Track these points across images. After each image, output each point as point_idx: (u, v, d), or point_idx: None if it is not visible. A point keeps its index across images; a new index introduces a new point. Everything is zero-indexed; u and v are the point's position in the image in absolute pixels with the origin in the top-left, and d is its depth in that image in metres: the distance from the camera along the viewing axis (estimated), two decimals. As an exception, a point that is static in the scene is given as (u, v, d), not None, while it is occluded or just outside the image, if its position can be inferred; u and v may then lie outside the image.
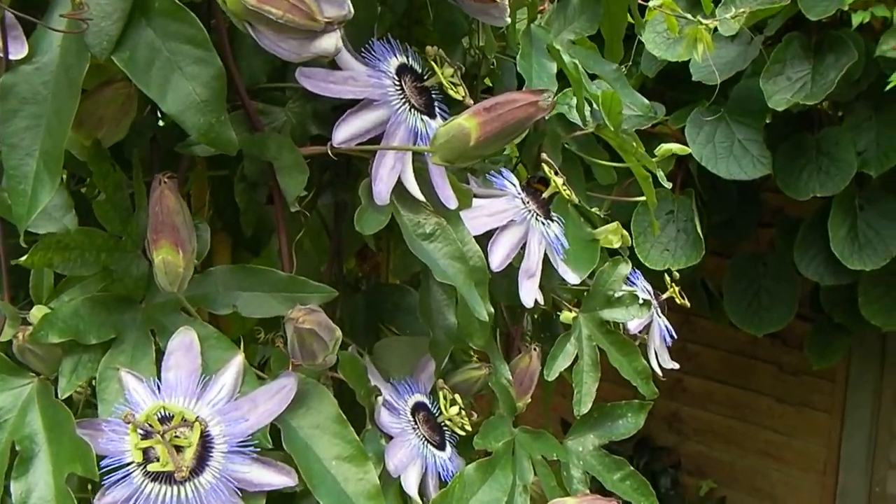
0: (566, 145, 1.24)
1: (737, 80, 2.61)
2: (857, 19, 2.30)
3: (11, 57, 0.74)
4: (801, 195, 2.58)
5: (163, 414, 0.74)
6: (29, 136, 0.74)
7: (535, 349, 1.15)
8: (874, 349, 3.44)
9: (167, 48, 0.73)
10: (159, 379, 0.80)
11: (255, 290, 0.87)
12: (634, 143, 1.21)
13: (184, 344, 0.81)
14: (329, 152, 0.85)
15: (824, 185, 2.57)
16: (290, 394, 0.79)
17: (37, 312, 0.82)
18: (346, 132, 0.86)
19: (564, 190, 1.02)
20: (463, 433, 0.98)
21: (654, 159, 1.26)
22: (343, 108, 0.88)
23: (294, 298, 0.86)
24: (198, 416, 0.73)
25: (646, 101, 1.26)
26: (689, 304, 1.34)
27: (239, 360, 0.81)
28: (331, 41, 0.69)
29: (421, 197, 0.88)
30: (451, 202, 0.90)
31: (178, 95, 0.72)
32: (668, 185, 1.32)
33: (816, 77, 2.48)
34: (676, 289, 1.36)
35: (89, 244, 0.81)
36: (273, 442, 0.79)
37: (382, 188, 0.86)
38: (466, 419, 0.98)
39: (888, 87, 2.29)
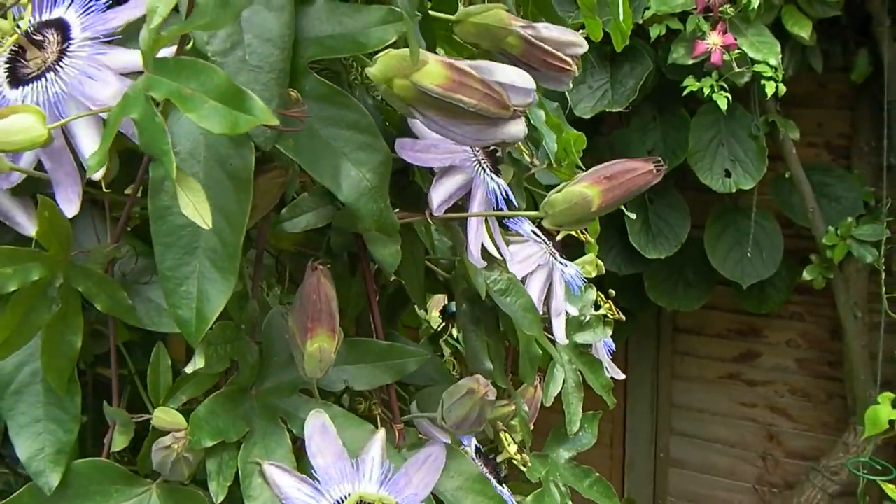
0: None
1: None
2: (654, 32, 2.63)
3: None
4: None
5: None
6: (186, 235, 0.73)
7: (537, 380, 1.26)
8: (650, 330, 3.90)
9: (326, 133, 0.75)
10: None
11: (361, 362, 0.90)
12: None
13: (319, 427, 0.83)
14: (429, 218, 0.90)
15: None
16: (440, 462, 0.85)
17: (161, 415, 0.80)
18: (439, 197, 0.91)
19: (580, 234, 1.14)
20: (525, 469, 1.08)
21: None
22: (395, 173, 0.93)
23: (395, 366, 0.91)
24: (397, 501, 0.77)
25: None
26: (623, 318, 1.51)
27: (381, 435, 0.84)
28: (519, 127, 0.76)
29: (500, 256, 0.96)
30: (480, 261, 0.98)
31: (352, 183, 0.75)
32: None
33: (616, 85, 2.79)
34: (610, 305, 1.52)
35: (222, 337, 0.80)
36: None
37: (475, 250, 0.93)
38: (526, 455, 1.07)
39: (685, 92, 2.64)
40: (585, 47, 0.94)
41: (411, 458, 0.85)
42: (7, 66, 0.73)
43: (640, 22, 2.67)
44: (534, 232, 1.14)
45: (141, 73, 0.72)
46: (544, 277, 1.12)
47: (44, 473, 0.79)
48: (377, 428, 0.86)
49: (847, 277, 3.19)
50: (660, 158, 0.88)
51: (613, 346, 1.52)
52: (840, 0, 2.74)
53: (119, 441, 0.81)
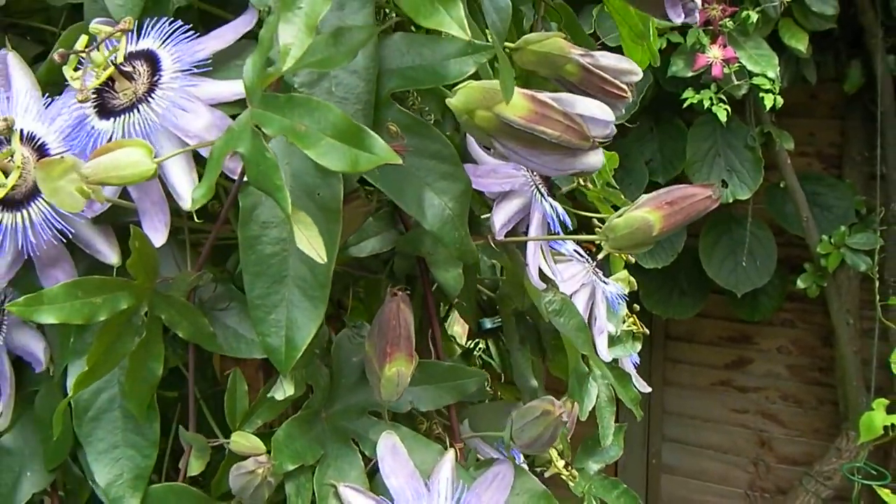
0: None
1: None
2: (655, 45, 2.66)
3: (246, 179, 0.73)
4: (603, 205, 2.93)
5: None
6: (276, 263, 0.74)
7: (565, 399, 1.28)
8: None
9: (409, 163, 0.77)
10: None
11: (425, 383, 0.92)
12: (623, 196, 1.38)
13: (390, 448, 0.85)
14: (492, 244, 0.93)
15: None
16: (508, 480, 0.87)
17: (239, 439, 0.81)
18: (500, 221, 0.94)
19: (618, 255, 1.17)
20: (573, 483, 1.10)
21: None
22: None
23: (457, 387, 0.93)
24: (475, 520, 0.79)
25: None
26: (647, 332, 1.54)
27: (451, 456, 0.86)
28: (597, 157, 0.78)
29: (560, 278, 0.99)
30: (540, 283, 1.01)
31: (435, 212, 0.77)
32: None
33: (615, 97, 2.82)
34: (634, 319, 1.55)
35: (299, 362, 0.82)
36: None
37: (534, 272, 0.95)
38: (574, 471, 1.10)
39: (685, 105, 2.69)
40: (640, 75, 0.97)
41: (480, 477, 0.87)
42: (96, 97, 0.74)
43: (640, 34, 2.70)
44: (576, 251, 1.17)
45: (228, 103, 0.74)
46: (587, 296, 1.15)
47: (123, 499, 0.81)
48: (445, 449, 0.88)
49: (839, 285, 3.25)
50: (714, 183, 0.90)
51: (638, 360, 1.55)
52: (835, 13, 2.80)
53: (195, 466, 0.83)
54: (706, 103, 2.75)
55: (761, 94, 2.72)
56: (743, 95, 2.85)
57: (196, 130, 0.72)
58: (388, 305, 0.81)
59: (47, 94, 0.79)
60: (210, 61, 0.74)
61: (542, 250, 1.00)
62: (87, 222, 0.78)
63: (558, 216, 1.03)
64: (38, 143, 0.76)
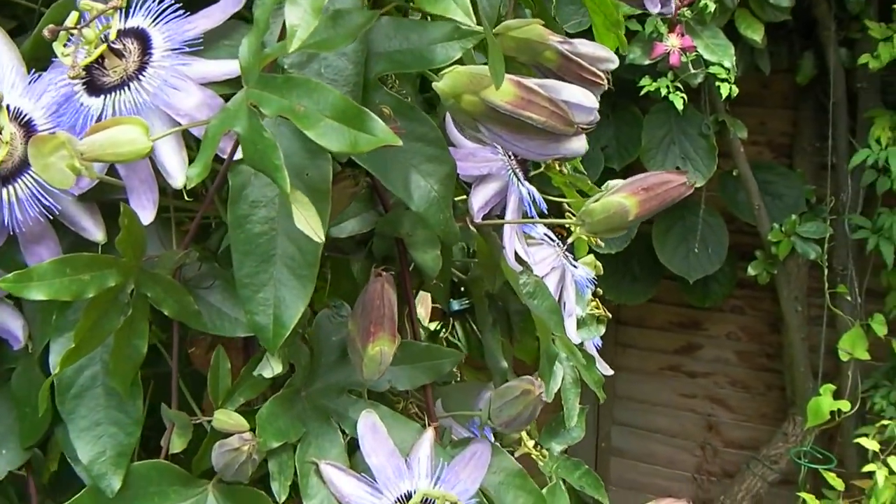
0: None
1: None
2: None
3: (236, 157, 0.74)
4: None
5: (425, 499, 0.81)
6: (264, 242, 0.75)
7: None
8: (597, 321, 3.99)
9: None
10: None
11: (402, 363, 0.94)
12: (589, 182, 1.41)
13: (370, 427, 0.87)
14: (470, 225, 0.95)
15: (579, 180, 2.99)
16: (486, 459, 0.89)
17: (222, 417, 0.82)
18: (478, 204, 0.96)
19: (592, 239, 1.20)
20: (542, 462, 1.13)
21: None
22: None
23: (433, 366, 0.95)
24: (458, 498, 0.81)
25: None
26: (610, 316, 1.58)
27: (430, 434, 0.88)
28: (580, 143, 0.80)
29: (532, 260, 1.01)
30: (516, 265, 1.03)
31: (421, 193, 0.79)
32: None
33: (574, 83, 2.85)
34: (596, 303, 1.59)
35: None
36: None
37: (511, 255, 0.98)
38: (545, 450, 1.13)
39: (642, 92, 2.73)
40: (616, 62, 0.99)
41: (458, 455, 0.89)
42: (85, 73, 0.74)
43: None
44: (546, 235, 1.19)
45: (218, 82, 0.75)
46: (557, 279, 1.17)
47: (105, 476, 0.81)
48: (422, 428, 0.90)
49: (789, 273, 3.34)
50: (687, 171, 0.93)
51: (601, 342, 1.58)
52: (790, 5, 2.86)
53: (177, 443, 0.84)
54: (663, 91, 2.81)
55: (717, 83, 2.78)
56: (698, 84, 2.91)
57: (187, 109, 0.73)
58: (373, 285, 0.83)
59: (32, 70, 0.79)
60: (201, 40, 0.74)
61: (516, 234, 1.02)
62: (72, 199, 0.78)
63: (534, 200, 1.05)
64: (26, 119, 0.76)
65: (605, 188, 0.94)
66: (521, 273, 1.03)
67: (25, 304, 0.88)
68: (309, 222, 0.62)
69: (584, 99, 0.80)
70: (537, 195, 1.01)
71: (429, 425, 0.94)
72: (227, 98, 0.74)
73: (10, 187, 0.75)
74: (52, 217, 0.77)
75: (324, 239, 0.64)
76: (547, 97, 0.78)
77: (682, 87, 2.84)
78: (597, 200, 0.94)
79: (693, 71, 2.76)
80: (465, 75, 0.79)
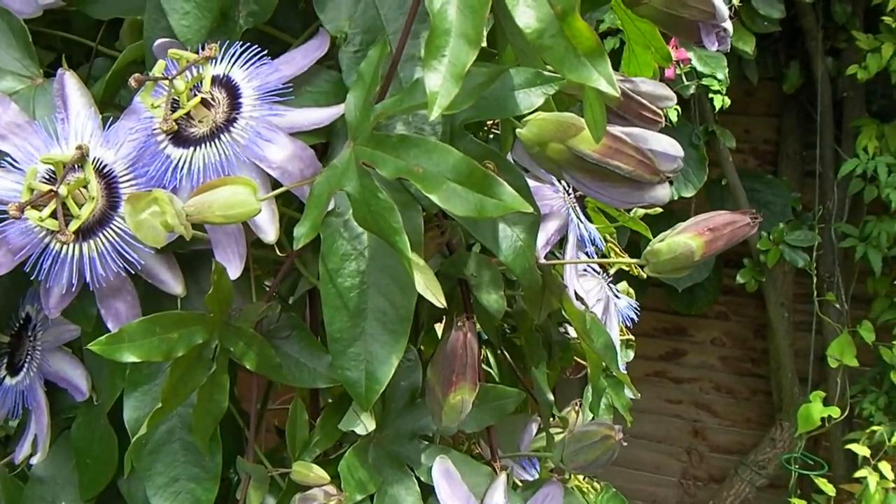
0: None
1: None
2: (608, 45, 2.72)
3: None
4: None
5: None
6: (355, 297, 0.74)
7: (577, 404, 1.32)
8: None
9: (480, 196, 0.78)
10: None
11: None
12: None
13: (445, 472, 0.86)
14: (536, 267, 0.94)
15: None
16: (558, 500, 0.89)
17: (302, 469, 0.81)
18: (541, 242, 0.96)
19: (634, 269, 1.20)
20: (592, 494, 1.13)
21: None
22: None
23: (497, 407, 0.95)
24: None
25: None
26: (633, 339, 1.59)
27: (503, 478, 0.88)
28: (665, 191, 0.80)
29: (586, 297, 1.01)
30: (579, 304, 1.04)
31: (508, 243, 0.79)
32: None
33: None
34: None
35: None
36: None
37: (573, 293, 0.98)
38: (597, 484, 1.13)
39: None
40: (674, 100, 1.00)
41: (531, 498, 0.89)
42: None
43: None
44: (591, 266, 1.19)
45: (306, 132, 0.74)
46: (601, 310, 1.17)
47: (184, 532, 0.80)
48: (496, 472, 0.90)
49: (776, 280, 3.38)
50: (755, 211, 0.94)
51: (625, 367, 1.59)
52: (781, 16, 2.90)
53: (254, 497, 0.82)
54: (657, 103, 2.82)
55: (710, 95, 2.80)
56: (689, 95, 2.93)
57: (280, 162, 0.72)
58: (456, 333, 0.82)
59: (104, 114, 0.77)
60: (291, 88, 0.73)
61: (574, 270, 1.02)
62: (152, 252, 0.76)
63: (591, 237, 1.06)
64: (106, 170, 0.74)
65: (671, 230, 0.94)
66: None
67: (87, 353, 0.86)
68: (428, 287, 0.62)
69: (670, 148, 0.81)
70: (595, 233, 1.01)
71: (502, 469, 0.93)
72: (314, 147, 0.74)
73: (91, 241, 0.73)
74: (133, 272, 0.75)
75: (445, 304, 0.63)
76: (634, 146, 0.78)
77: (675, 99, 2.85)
78: (663, 240, 0.94)
79: (686, 83, 2.78)
80: (552, 123, 0.78)
